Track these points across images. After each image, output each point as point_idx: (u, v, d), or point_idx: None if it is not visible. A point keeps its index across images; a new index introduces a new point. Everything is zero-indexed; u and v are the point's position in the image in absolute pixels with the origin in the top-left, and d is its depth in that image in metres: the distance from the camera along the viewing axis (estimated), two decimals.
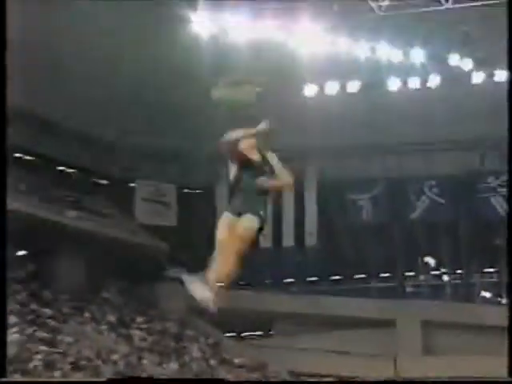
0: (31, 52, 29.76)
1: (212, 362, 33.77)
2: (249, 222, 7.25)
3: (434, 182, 38.89)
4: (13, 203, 30.14)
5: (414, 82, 34.09)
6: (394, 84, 34.33)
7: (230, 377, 32.32)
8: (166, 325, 35.15)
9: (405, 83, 34.21)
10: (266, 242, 39.27)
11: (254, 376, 33.66)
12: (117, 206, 37.55)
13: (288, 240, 39.32)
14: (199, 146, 36.52)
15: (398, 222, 39.06)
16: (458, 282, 38.64)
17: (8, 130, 34.52)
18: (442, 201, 38.56)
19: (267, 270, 38.81)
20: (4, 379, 3.59)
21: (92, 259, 33.22)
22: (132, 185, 38.93)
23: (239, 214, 7.30)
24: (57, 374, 24.75)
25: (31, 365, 24.53)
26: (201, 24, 30.69)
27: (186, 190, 39.83)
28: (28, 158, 35.36)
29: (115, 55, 31.12)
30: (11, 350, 24.57)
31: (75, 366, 26.04)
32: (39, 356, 25.39)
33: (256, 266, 38.39)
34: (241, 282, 38.81)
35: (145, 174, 38.40)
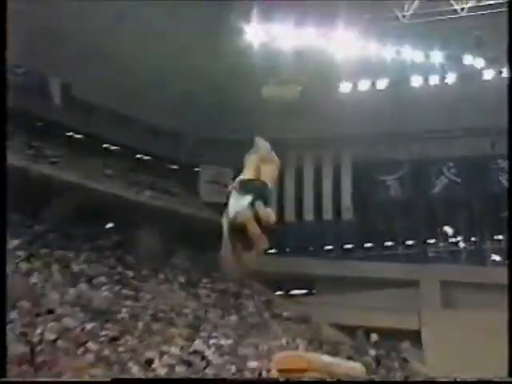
0: (108, 57, 30.32)
1: (265, 315, 33.95)
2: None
3: (451, 164, 38.74)
4: (100, 186, 31.28)
5: (434, 79, 34.18)
6: (416, 81, 34.43)
7: (280, 328, 32.45)
8: (226, 285, 35.45)
9: (426, 80, 34.30)
10: (308, 216, 39.67)
11: (301, 327, 33.81)
12: (184, 187, 37.98)
13: (327, 214, 39.49)
14: (251, 136, 36.99)
15: (421, 198, 39.05)
16: (472, 247, 38.59)
17: (93, 123, 35.57)
18: (459, 180, 38.47)
19: (310, 239, 38.92)
20: (4, 379, 3.74)
21: (165, 231, 33.67)
22: (197, 169, 39.31)
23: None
24: (140, 323, 24.91)
25: (119, 316, 24.79)
26: (253, 33, 31.23)
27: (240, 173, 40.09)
28: (113, 147, 36.11)
29: (187, 64, 31.62)
30: (103, 305, 25.19)
31: (154, 318, 26.29)
32: (125, 309, 25.71)
33: (300, 237, 38.84)
34: (288, 250, 39.29)
35: (207, 159, 38.68)
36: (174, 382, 3.87)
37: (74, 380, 3.83)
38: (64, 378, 15.68)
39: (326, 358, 7.85)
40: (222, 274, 36.41)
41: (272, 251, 39.90)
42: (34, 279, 23.67)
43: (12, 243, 25.78)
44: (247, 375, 24.14)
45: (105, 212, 31.35)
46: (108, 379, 3.62)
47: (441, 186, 38.93)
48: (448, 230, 39.30)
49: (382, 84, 34.73)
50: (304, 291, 38.83)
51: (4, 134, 3.95)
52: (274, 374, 6.64)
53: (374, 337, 34.95)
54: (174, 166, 38.74)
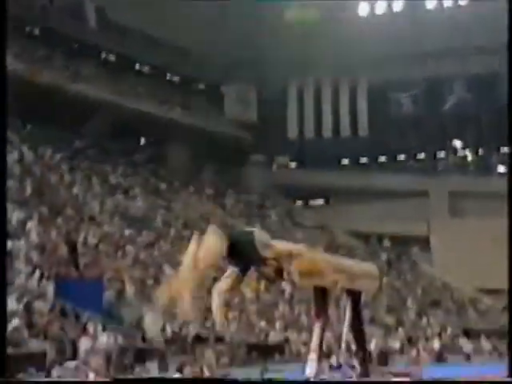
0: None
1: (286, 223, 34.40)
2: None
3: (462, 81, 37.99)
4: (133, 104, 31.20)
5: (447, 2, 33.11)
6: (431, 4, 33.40)
7: (300, 235, 32.79)
8: (250, 196, 35.77)
9: (440, 3, 33.23)
10: (326, 133, 39.47)
11: (319, 234, 34.12)
12: (211, 105, 37.65)
13: (344, 131, 39.26)
14: (276, 57, 36.40)
15: (432, 114, 38.47)
16: (479, 160, 38.23)
17: (126, 44, 34.98)
18: (469, 96, 37.77)
19: (328, 154, 38.81)
20: (4, 379, 3.67)
21: (194, 146, 33.80)
22: (222, 88, 38.80)
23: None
24: (172, 230, 25.40)
25: (154, 224, 25.21)
26: None
27: (264, 93, 39.69)
28: (144, 68, 35.76)
29: None
30: (139, 214, 25.54)
31: (185, 226, 26.64)
32: (159, 218, 26.07)
33: (319, 152, 38.75)
34: (307, 164, 39.31)
35: (232, 79, 38.17)
36: (174, 381, 3.86)
37: (74, 380, 3.79)
38: (104, 280, 15.84)
39: (344, 259, 7.77)
40: (246, 187, 36.77)
41: (293, 165, 40.12)
42: (76, 190, 23.96)
43: (55, 157, 26.07)
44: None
45: (138, 129, 31.43)
46: (108, 379, 3.57)
47: (452, 102, 38.33)
48: (457, 143, 38.92)
49: (398, 6, 33.78)
50: (322, 202, 39.05)
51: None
52: (295, 275, 6.60)
53: (386, 242, 35.32)
54: (201, 86, 38.33)
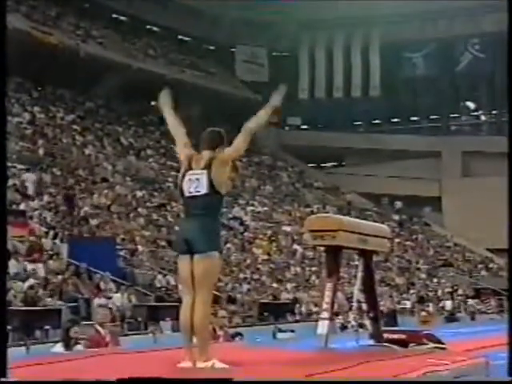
0: None
1: (297, 185, 34.34)
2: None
3: (476, 41, 37.41)
4: (143, 65, 30.98)
5: None
6: None
7: (311, 196, 32.82)
8: (261, 157, 35.66)
9: None
10: (338, 93, 39.12)
11: (331, 196, 34.12)
12: (222, 66, 37.35)
13: (356, 91, 38.88)
14: (286, 18, 35.93)
15: (445, 74, 38.03)
16: (492, 120, 37.90)
17: (136, 5, 34.59)
18: (482, 55, 37.20)
19: (340, 115, 38.59)
20: (4, 379, 3.66)
21: (205, 107, 33.60)
22: (233, 49, 38.57)
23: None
24: None
25: (165, 185, 25.23)
26: None
27: (274, 53, 39.38)
28: (155, 29, 35.43)
29: None
30: (150, 175, 25.59)
31: None
32: (170, 179, 25.88)
33: (331, 113, 38.51)
34: (319, 125, 39.13)
35: (243, 40, 37.87)
36: (175, 381, 3.84)
37: (74, 380, 3.79)
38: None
39: (356, 220, 7.76)
40: (257, 148, 36.66)
41: (304, 126, 39.93)
42: (88, 151, 24.00)
43: (66, 118, 26.07)
44: (281, 239, 24.76)
45: (149, 90, 31.18)
46: (112, 379, 3.59)
47: (465, 62, 37.80)
48: (470, 104, 38.53)
49: None
50: (334, 163, 38.98)
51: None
52: (307, 235, 6.62)
53: (398, 204, 35.27)
54: (212, 47, 37.93)
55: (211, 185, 4.55)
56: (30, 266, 12.91)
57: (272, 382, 3.94)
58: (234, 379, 3.66)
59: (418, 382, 4.34)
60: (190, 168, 4.66)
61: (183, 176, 4.65)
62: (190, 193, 4.56)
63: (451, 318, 20.70)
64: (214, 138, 4.99)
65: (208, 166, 4.62)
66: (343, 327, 14.15)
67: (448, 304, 22.72)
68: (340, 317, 14.22)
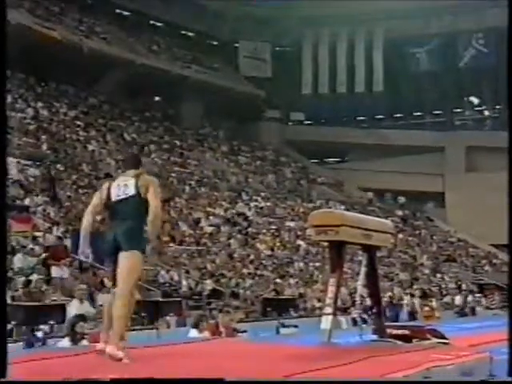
0: None
1: (301, 180, 34.28)
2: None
3: (479, 35, 37.26)
4: (147, 60, 30.98)
5: None
6: None
7: (315, 192, 32.73)
8: (265, 153, 35.68)
9: None
10: (341, 88, 39.00)
11: (334, 191, 34.08)
12: (225, 62, 37.31)
13: (359, 87, 38.79)
14: (290, 13, 35.83)
15: (449, 69, 37.87)
16: (496, 115, 37.76)
17: (140, 0, 34.51)
18: (486, 50, 37.05)
19: (343, 110, 38.51)
20: (4, 379, 3.67)
21: (208, 103, 33.62)
22: (236, 45, 38.48)
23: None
24: (186, 187, 25.45)
25: (169, 180, 25.23)
26: None
27: (278, 49, 39.30)
28: (158, 24, 35.36)
29: None
30: (154, 171, 25.53)
31: (201, 182, 26.79)
32: (174, 174, 26.17)
33: (334, 108, 38.44)
34: (323, 121, 39.07)
35: (246, 36, 37.76)
36: (176, 381, 3.83)
37: (74, 380, 3.81)
38: None
39: (359, 216, 7.75)
40: (260, 143, 36.66)
41: (307, 122, 39.87)
42: (91, 146, 24.01)
43: (70, 114, 26.08)
44: (285, 234, 24.73)
45: (152, 85, 31.24)
46: (108, 379, 3.62)
47: (469, 57, 37.67)
48: (474, 99, 38.43)
49: None
50: (337, 158, 38.92)
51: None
52: (310, 230, 6.62)
53: (401, 199, 35.22)
54: (215, 42, 37.85)
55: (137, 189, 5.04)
56: (56, 271, 12.87)
57: (267, 381, 3.90)
58: (227, 379, 3.65)
59: (417, 382, 4.30)
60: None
61: (109, 188, 5.15)
62: (118, 196, 5.05)
63: (461, 312, 20.68)
64: (137, 161, 5.54)
65: (136, 176, 5.13)
66: (355, 322, 14.09)
67: (457, 299, 22.67)
68: (356, 311, 14.14)
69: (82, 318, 7.65)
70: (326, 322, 6.17)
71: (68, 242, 14.60)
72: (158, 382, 3.70)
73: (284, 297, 17.74)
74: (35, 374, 4.07)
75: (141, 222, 4.97)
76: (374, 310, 6.78)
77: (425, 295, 21.96)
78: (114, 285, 4.93)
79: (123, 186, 5.03)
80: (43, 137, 22.04)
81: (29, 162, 18.63)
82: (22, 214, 14.59)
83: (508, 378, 4.17)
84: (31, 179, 17.85)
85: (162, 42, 33.90)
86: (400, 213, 33.54)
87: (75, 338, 7.11)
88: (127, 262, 4.87)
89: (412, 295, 20.80)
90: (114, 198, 5.04)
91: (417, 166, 34.66)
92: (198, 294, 15.80)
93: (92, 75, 28.59)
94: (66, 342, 7.21)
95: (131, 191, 4.99)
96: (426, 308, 18.77)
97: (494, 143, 32.75)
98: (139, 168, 5.30)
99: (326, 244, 7.16)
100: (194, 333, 8.44)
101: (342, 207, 28.92)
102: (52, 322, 10.88)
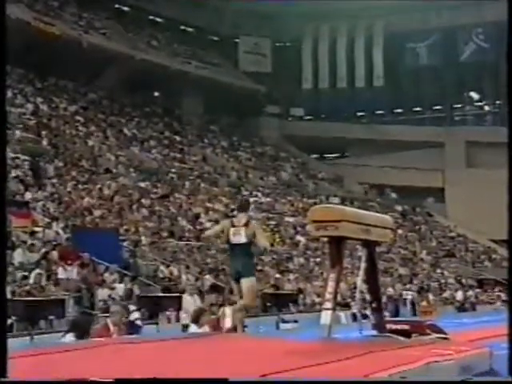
0: None
1: (301, 176, 34.30)
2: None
3: (480, 30, 37.17)
4: (146, 56, 30.92)
5: None
6: None
7: (312, 186, 32.73)
8: (264, 148, 35.65)
9: None
10: (341, 83, 38.93)
11: (334, 187, 34.05)
12: (225, 57, 37.25)
13: (359, 82, 38.73)
14: (290, 8, 35.72)
15: (449, 64, 37.82)
16: (496, 110, 37.67)
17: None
18: (486, 45, 36.97)
19: (343, 105, 38.43)
20: (4, 379, 3.65)
21: (208, 98, 33.59)
22: (236, 40, 38.42)
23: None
24: (187, 183, 25.42)
25: (168, 176, 25.22)
26: None
27: (278, 44, 39.23)
28: (158, 19, 35.28)
29: None
30: (153, 166, 25.54)
31: (201, 177, 26.77)
32: (173, 170, 26.12)
33: (334, 103, 38.37)
34: (323, 116, 39.02)
35: (246, 31, 37.72)
36: (180, 381, 3.81)
37: (74, 380, 3.78)
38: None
39: (359, 211, 7.74)
40: (260, 139, 36.63)
41: (307, 117, 39.82)
42: (91, 142, 23.99)
43: (69, 109, 26.06)
44: (284, 230, 24.74)
45: (152, 81, 31.20)
46: (111, 379, 3.58)
47: (469, 52, 37.60)
48: (474, 94, 38.36)
49: None
50: (337, 153, 38.87)
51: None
52: (310, 226, 6.61)
53: (401, 194, 35.17)
54: (215, 38, 37.81)
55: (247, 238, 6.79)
56: (63, 272, 12.85)
57: (271, 381, 3.89)
58: (230, 379, 3.62)
59: (417, 382, 4.28)
60: (232, 225, 6.85)
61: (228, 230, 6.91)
62: (234, 241, 6.83)
63: (462, 308, 20.70)
64: (247, 205, 7.52)
65: (246, 224, 6.84)
66: (354, 317, 14.08)
67: (459, 294, 22.69)
68: (356, 306, 14.13)
69: (86, 313, 7.63)
70: (326, 317, 6.17)
71: (68, 239, 14.59)
72: (161, 381, 3.68)
73: (284, 292, 17.75)
74: (38, 370, 4.06)
75: (252, 258, 7.06)
76: (374, 305, 6.77)
77: (422, 290, 21.98)
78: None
79: (238, 235, 6.74)
80: (43, 132, 22.01)
81: (28, 158, 18.62)
82: (21, 209, 14.57)
83: (509, 378, 4.13)
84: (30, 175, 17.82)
85: (161, 37, 33.86)
86: (399, 208, 33.52)
87: (80, 333, 7.11)
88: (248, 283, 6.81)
89: (410, 290, 20.83)
90: (231, 241, 6.80)
91: (417, 161, 34.62)
92: (198, 290, 15.79)
93: (92, 70, 28.54)
94: (70, 338, 7.19)
95: (243, 239, 6.75)
96: (423, 303, 18.76)
97: (494, 138, 32.74)
98: (247, 211, 7.17)
99: (325, 239, 7.14)
100: (193, 328, 8.42)
101: (336, 200, 28.98)
102: (52, 317, 10.90)
